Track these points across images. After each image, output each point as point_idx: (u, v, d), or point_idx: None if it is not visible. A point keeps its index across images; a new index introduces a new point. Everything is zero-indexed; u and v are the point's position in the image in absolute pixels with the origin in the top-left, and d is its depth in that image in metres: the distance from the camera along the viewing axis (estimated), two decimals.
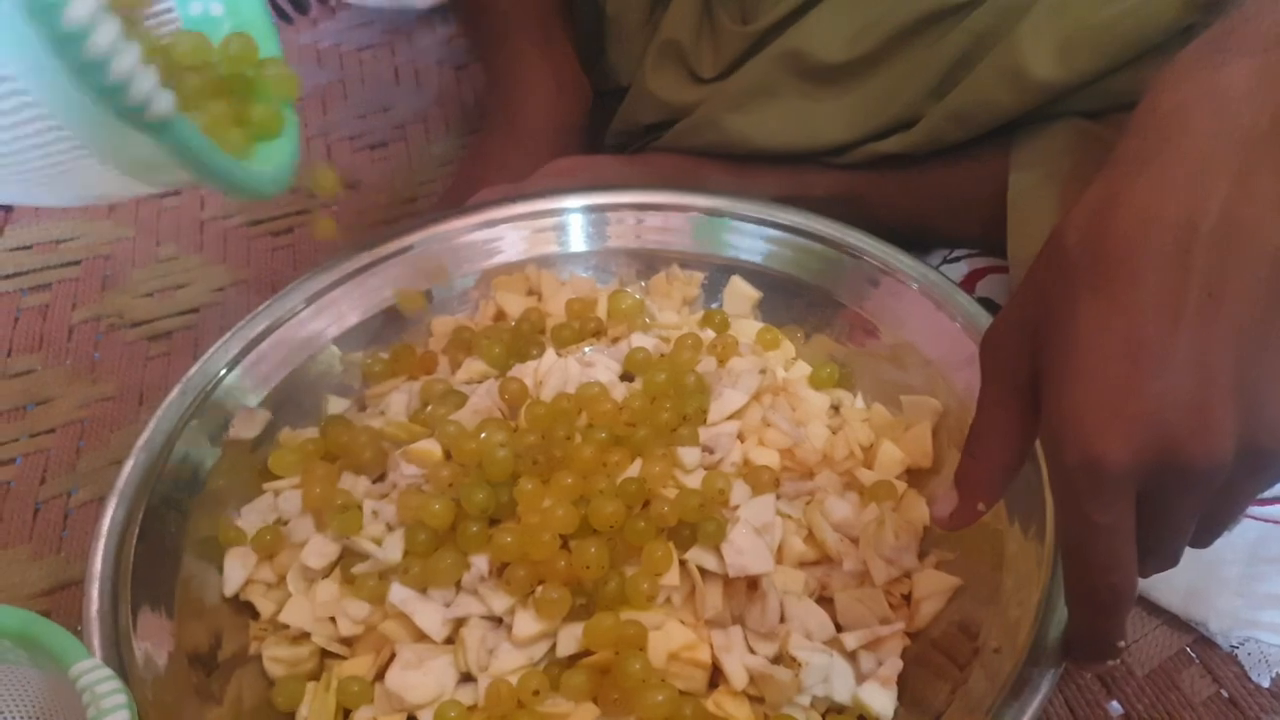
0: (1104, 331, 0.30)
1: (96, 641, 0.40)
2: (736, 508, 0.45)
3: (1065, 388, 0.30)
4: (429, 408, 0.51)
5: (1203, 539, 0.34)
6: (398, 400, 0.53)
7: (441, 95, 0.83)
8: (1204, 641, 0.45)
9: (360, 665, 0.43)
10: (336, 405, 0.53)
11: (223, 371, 0.51)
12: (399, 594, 0.43)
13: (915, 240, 0.56)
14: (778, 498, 0.46)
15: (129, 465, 0.47)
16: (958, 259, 0.58)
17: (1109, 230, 0.30)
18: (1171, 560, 0.34)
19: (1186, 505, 0.31)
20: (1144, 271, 0.30)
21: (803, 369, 0.54)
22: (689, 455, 0.46)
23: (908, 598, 0.45)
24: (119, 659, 0.40)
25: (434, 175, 0.76)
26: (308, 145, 0.78)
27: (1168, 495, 0.31)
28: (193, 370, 0.51)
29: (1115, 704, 0.43)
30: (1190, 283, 0.29)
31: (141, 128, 0.31)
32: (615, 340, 0.56)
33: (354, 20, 0.91)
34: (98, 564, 0.43)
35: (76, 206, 0.72)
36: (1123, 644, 0.35)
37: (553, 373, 0.50)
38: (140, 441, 0.48)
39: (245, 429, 0.51)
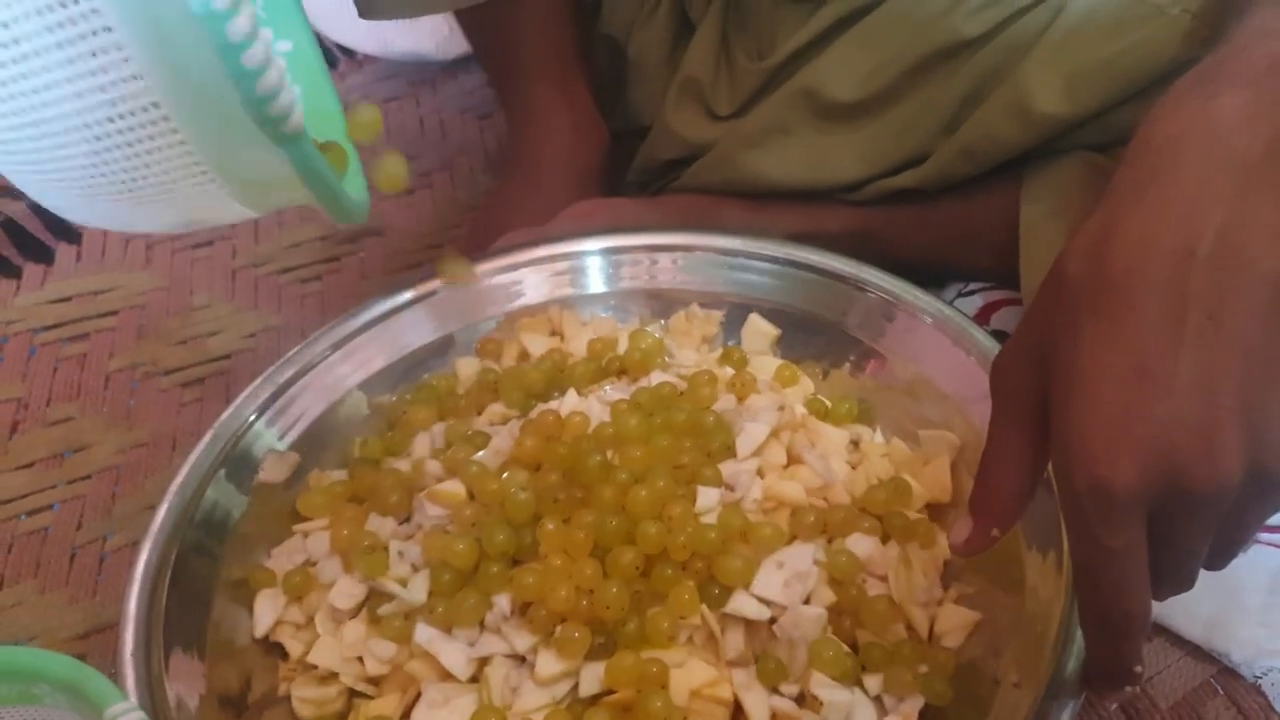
0: (1107, 357, 0.30)
1: (131, 684, 0.41)
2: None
3: (1071, 413, 0.31)
4: (452, 448, 0.52)
5: (1216, 562, 0.34)
6: (423, 442, 0.54)
7: (465, 144, 0.85)
8: (1228, 672, 0.45)
9: (387, 705, 0.43)
10: (373, 449, 0.54)
11: (252, 417, 0.52)
12: (424, 634, 0.44)
13: (930, 274, 0.57)
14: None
15: (162, 510, 0.48)
16: (972, 292, 0.59)
17: (1109, 258, 0.31)
18: (1186, 584, 0.34)
19: (1196, 528, 0.31)
20: (1144, 297, 0.30)
21: (820, 406, 0.55)
22: (711, 495, 0.47)
23: (929, 633, 0.45)
24: (152, 701, 0.41)
25: (459, 221, 0.78)
26: None
27: (1176, 518, 0.31)
28: (224, 416, 0.52)
29: None
30: (1190, 307, 0.30)
31: (276, 139, 0.32)
32: (635, 380, 0.57)
33: (380, 73, 0.94)
34: (131, 607, 0.44)
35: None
36: (1140, 670, 0.35)
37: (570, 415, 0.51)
38: (173, 486, 0.49)
39: (274, 473, 0.52)
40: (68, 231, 0.77)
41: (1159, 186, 0.32)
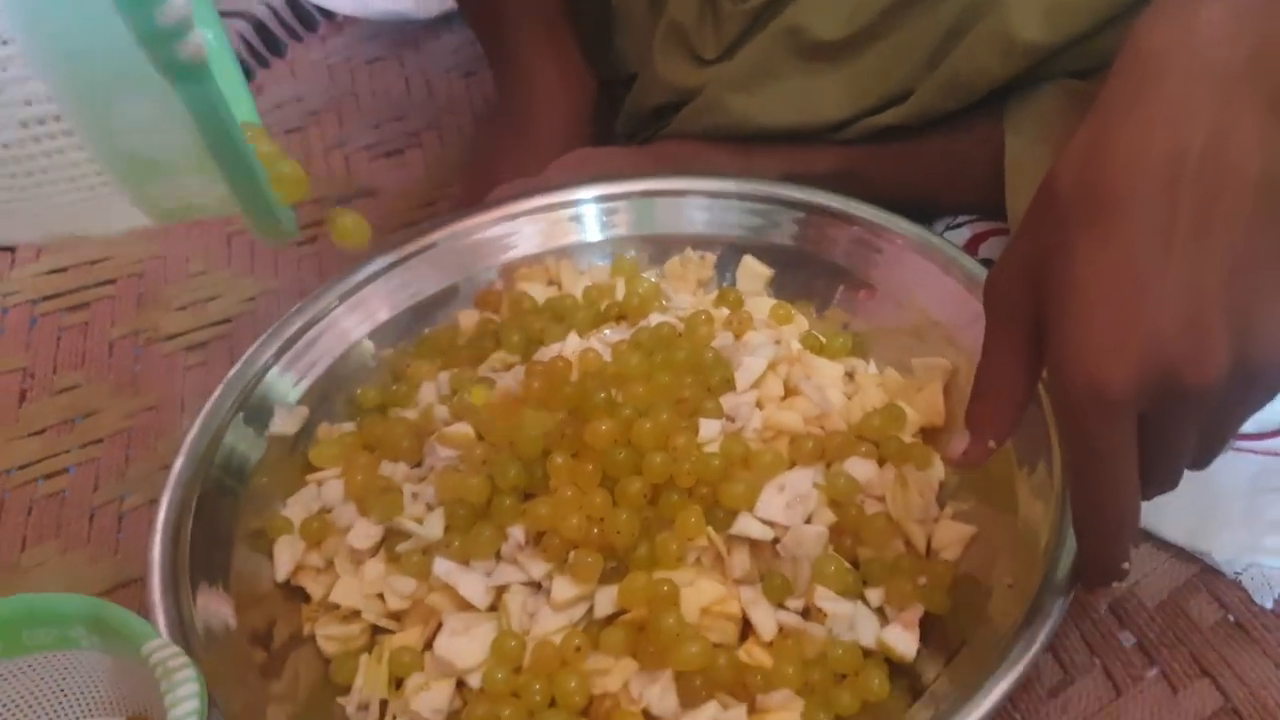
0: (1100, 264, 0.32)
1: (162, 624, 0.43)
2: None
3: (1066, 320, 0.32)
4: (458, 395, 0.53)
5: (1200, 460, 0.36)
6: (428, 390, 0.55)
7: (452, 103, 0.86)
8: (1209, 571, 0.47)
9: (409, 637, 0.45)
10: (371, 399, 0.55)
11: (261, 372, 0.54)
12: (442, 567, 0.45)
13: (918, 211, 0.58)
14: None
15: (179, 463, 0.49)
16: (960, 225, 0.60)
17: (1099, 169, 0.33)
18: (1172, 483, 0.36)
19: (1185, 426, 0.33)
20: (1135, 205, 0.32)
21: (815, 341, 0.56)
22: (712, 426, 0.48)
23: (927, 548, 0.47)
24: (184, 639, 0.43)
25: (450, 179, 0.78)
26: (326, 157, 0.81)
27: (1167, 417, 0.33)
28: (233, 372, 0.53)
29: (1128, 634, 0.45)
30: (1179, 213, 0.31)
31: (173, 68, 0.28)
32: (634, 324, 0.58)
33: (362, 34, 0.94)
34: (156, 553, 0.46)
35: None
36: (1127, 566, 0.37)
37: (576, 355, 0.53)
38: (188, 441, 0.50)
39: (285, 425, 0.54)
40: None
41: (1145, 99, 0.33)
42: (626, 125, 0.72)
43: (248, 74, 0.90)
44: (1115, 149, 0.33)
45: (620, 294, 0.59)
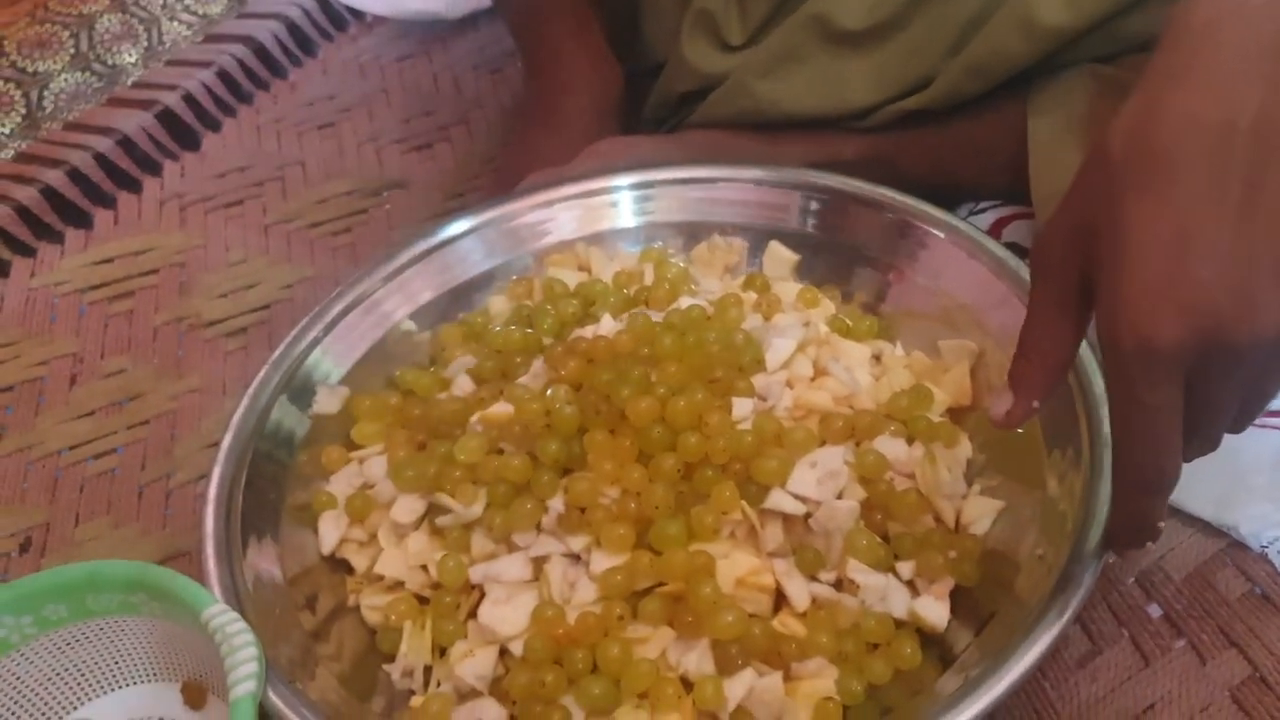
0: (1153, 225, 0.33)
1: (217, 590, 0.44)
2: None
3: (1118, 275, 0.33)
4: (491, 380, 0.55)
5: (1240, 422, 0.37)
6: (463, 376, 0.56)
7: (480, 98, 0.87)
8: (1236, 545, 0.48)
9: (453, 605, 0.46)
10: (409, 380, 0.57)
11: (304, 353, 0.55)
12: (479, 571, 0.46)
13: (942, 196, 0.59)
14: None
15: (228, 440, 0.51)
16: (983, 210, 0.61)
17: (1153, 134, 0.34)
18: (1213, 443, 0.37)
19: (1230, 385, 0.34)
20: (1188, 168, 0.33)
21: (842, 324, 0.57)
22: (745, 405, 0.49)
23: (955, 524, 0.48)
24: (238, 605, 0.44)
25: (479, 172, 0.80)
26: (358, 151, 0.83)
27: (1213, 376, 0.34)
28: (277, 353, 0.55)
29: (1155, 606, 0.46)
30: (1231, 177, 0.33)
31: None
32: (663, 309, 0.59)
33: (391, 33, 0.96)
34: (209, 524, 0.47)
35: None
36: (1162, 525, 0.38)
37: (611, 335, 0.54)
38: (235, 419, 0.52)
39: (328, 405, 0.55)
40: (104, 198, 0.80)
41: (1198, 67, 0.34)
42: (654, 112, 0.73)
43: (281, 73, 0.92)
44: (1168, 114, 0.34)
45: (649, 279, 0.60)
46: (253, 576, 0.47)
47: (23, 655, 0.44)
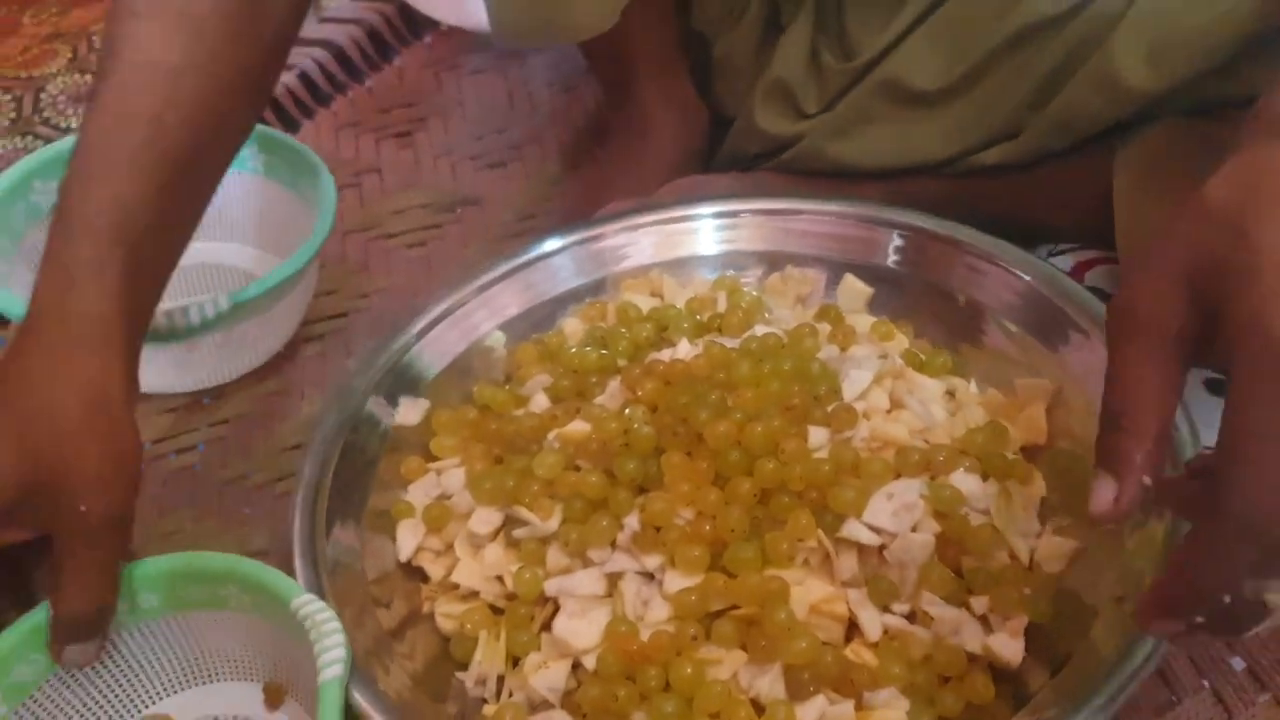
0: None
1: (302, 583, 0.46)
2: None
3: (1262, 288, 0.31)
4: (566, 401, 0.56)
5: None
6: (539, 387, 0.57)
7: (554, 116, 0.89)
8: None
9: (528, 617, 0.47)
10: (486, 396, 0.58)
11: (390, 362, 0.57)
12: (554, 585, 0.47)
13: (1020, 236, 0.60)
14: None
15: (315, 444, 0.53)
16: (1063, 252, 0.61)
17: (1265, 180, 0.33)
18: None
19: None
20: None
21: (916, 359, 0.58)
22: (820, 434, 0.50)
23: (1030, 562, 0.48)
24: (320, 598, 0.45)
25: (550, 194, 0.81)
26: (434, 164, 0.85)
27: None
28: (361, 362, 0.57)
29: (1238, 660, 0.46)
30: None
31: None
32: (735, 336, 0.60)
33: (467, 44, 0.98)
34: (297, 523, 0.49)
35: None
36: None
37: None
38: (324, 424, 0.54)
39: (408, 416, 0.56)
40: None
41: None
42: (723, 164, 0.74)
43: (359, 78, 0.94)
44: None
45: (722, 306, 0.61)
46: (333, 576, 0.48)
47: (112, 643, 0.46)
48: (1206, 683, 0.46)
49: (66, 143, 0.66)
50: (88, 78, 1.01)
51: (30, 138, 0.95)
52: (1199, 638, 0.35)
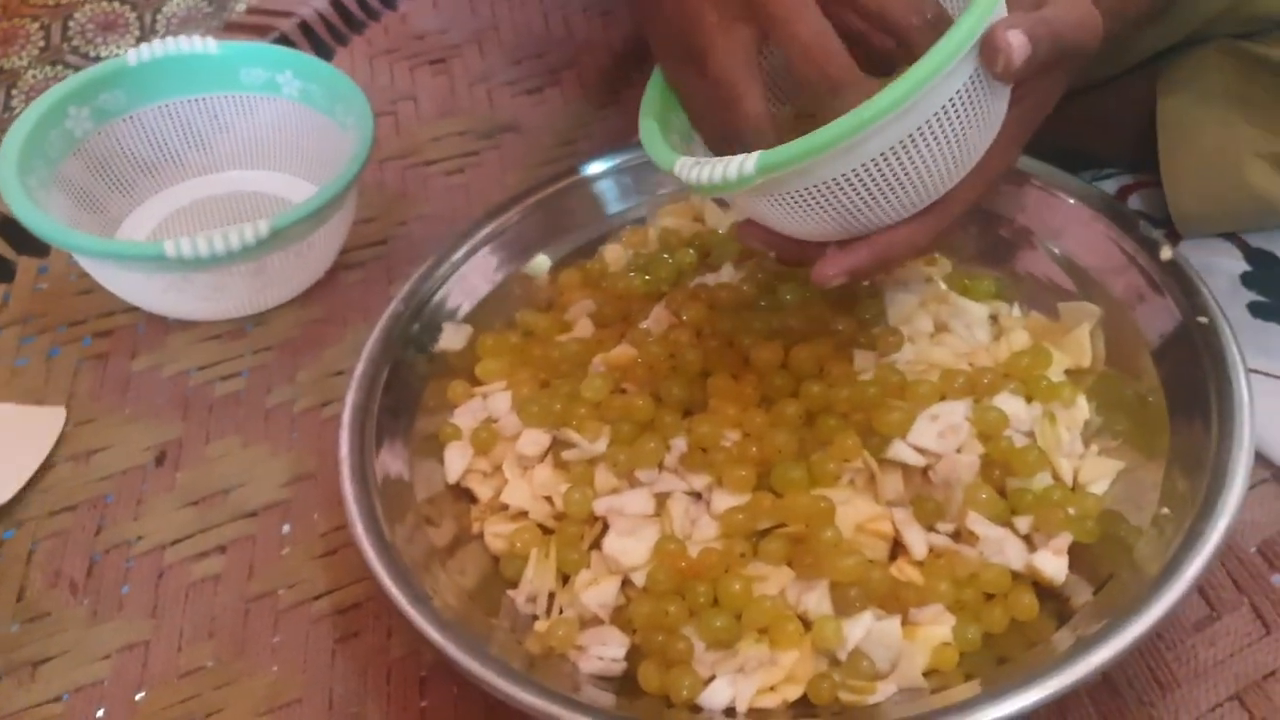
0: None
1: (353, 506, 0.47)
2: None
3: None
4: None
5: None
6: (583, 312, 0.58)
7: (590, 41, 0.88)
8: None
9: (577, 536, 0.48)
10: (529, 321, 0.58)
11: (432, 288, 0.57)
12: (603, 505, 0.48)
13: (1064, 162, 0.59)
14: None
15: (360, 368, 0.53)
16: (1108, 176, 0.61)
17: None
18: None
19: None
20: None
21: (961, 283, 0.57)
22: (865, 358, 0.50)
23: (1073, 483, 0.48)
24: (374, 522, 0.46)
25: (589, 119, 0.80)
26: (470, 91, 0.84)
27: None
28: (405, 289, 0.57)
29: (1278, 576, 0.46)
30: None
31: None
32: None
33: None
34: (344, 445, 0.50)
35: None
36: None
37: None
38: (367, 348, 0.54)
39: (452, 341, 0.57)
40: None
41: None
42: None
43: (391, 4, 0.93)
44: None
45: None
46: (383, 495, 0.49)
47: None
48: (1246, 599, 0.46)
49: (100, 68, 0.67)
50: (115, 4, 1.01)
51: (60, 66, 0.95)
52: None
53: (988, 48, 0.37)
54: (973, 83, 0.38)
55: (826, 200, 0.40)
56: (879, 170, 0.39)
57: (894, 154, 0.38)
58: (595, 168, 0.63)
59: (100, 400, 0.62)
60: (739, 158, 0.38)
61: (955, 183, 0.42)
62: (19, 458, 0.58)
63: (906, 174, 0.39)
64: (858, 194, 0.40)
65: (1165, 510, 0.44)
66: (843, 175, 0.39)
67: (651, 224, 0.63)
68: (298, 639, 0.50)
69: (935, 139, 0.39)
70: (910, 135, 0.38)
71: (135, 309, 0.66)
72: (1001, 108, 0.41)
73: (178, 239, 0.56)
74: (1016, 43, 0.37)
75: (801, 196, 0.40)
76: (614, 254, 0.62)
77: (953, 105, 0.38)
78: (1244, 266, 0.54)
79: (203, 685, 0.49)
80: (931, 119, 0.38)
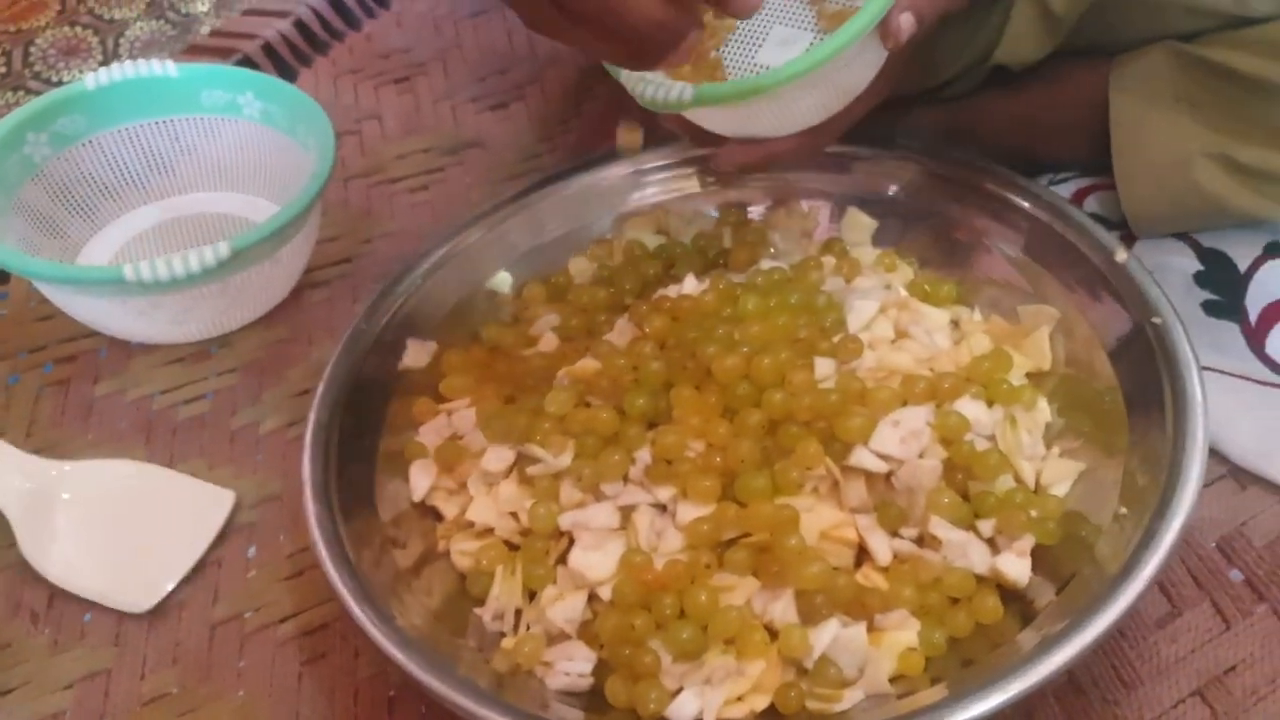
0: None
1: (314, 526, 0.47)
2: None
3: None
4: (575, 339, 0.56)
5: None
6: (548, 326, 0.58)
7: (554, 57, 0.88)
8: None
9: (542, 551, 0.48)
10: (494, 335, 0.58)
11: (395, 305, 0.57)
12: (568, 519, 0.48)
13: (1022, 166, 0.59)
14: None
15: (321, 387, 0.53)
16: (1065, 179, 0.61)
17: None
18: None
19: None
20: None
21: (921, 289, 0.58)
22: (827, 365, 0.50)
23: (1035, 485, 0.49)
24: (337, 542, 0.46)
25: (553, 134, 0.81)
26: (434, 108, 0.84)
27: None
28: (369, 303, 0.57)
29: (1236, 571, 0.47)
30: None
31: None
32: (741, 271, 0.60)
33: None
34: (307, 466, 0.49)
35: None
36: None
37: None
38: (330, 367, 0.54)
39: (417, 358, 0.57)
40: None
41: None
42: None
43: (355, 25, 0.93)
44: None
45: (728, 242, 0.61)
46: (348, 517, 0.49)
47: None
48: (1207, 595, 0.46)
49: (58, 93, 0.66)
50: (78, 30, 1.00)
51: (21, 92, 0.94)
52: None
53: (884, 28, 0.45)
54: (865, 48, 0.46)
55: (742, 117, 0.50)
56: (785, 104, 0.48)
57: (798, 95, 0.47)
58: (559, 182, 0.63)
59: (62, 427, 0.61)
60: (679, 85, 0.45)
61: (836, 111, 0.51)
62: (190, 536, 0.55)
63: (803, 107, 0.49)
64: (764, 119, 0.50)
65: (1124, 510, 0.44)
66: (757, 105, 0.48)
67: (616, 237, 0.63)
68: (264, 662, 0.50)
69: (830, 86, 0.48)
70: (813, 84, 0.46)
71: (97, 334, 0.66)
72: (880, 61, 0.49)
73: (137, 263, 0.56)
74: (906, 25, 0.45)
75: (724, 112, 0.50)
76: (579, 267, 0.62)
77: (847, 65, 0.47)
78: (1197, 266, 0.55)
79: (167, 712, 0.48)
80: (831, 76, 0.47)
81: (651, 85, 0.46)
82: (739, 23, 0.53)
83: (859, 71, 0.49)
